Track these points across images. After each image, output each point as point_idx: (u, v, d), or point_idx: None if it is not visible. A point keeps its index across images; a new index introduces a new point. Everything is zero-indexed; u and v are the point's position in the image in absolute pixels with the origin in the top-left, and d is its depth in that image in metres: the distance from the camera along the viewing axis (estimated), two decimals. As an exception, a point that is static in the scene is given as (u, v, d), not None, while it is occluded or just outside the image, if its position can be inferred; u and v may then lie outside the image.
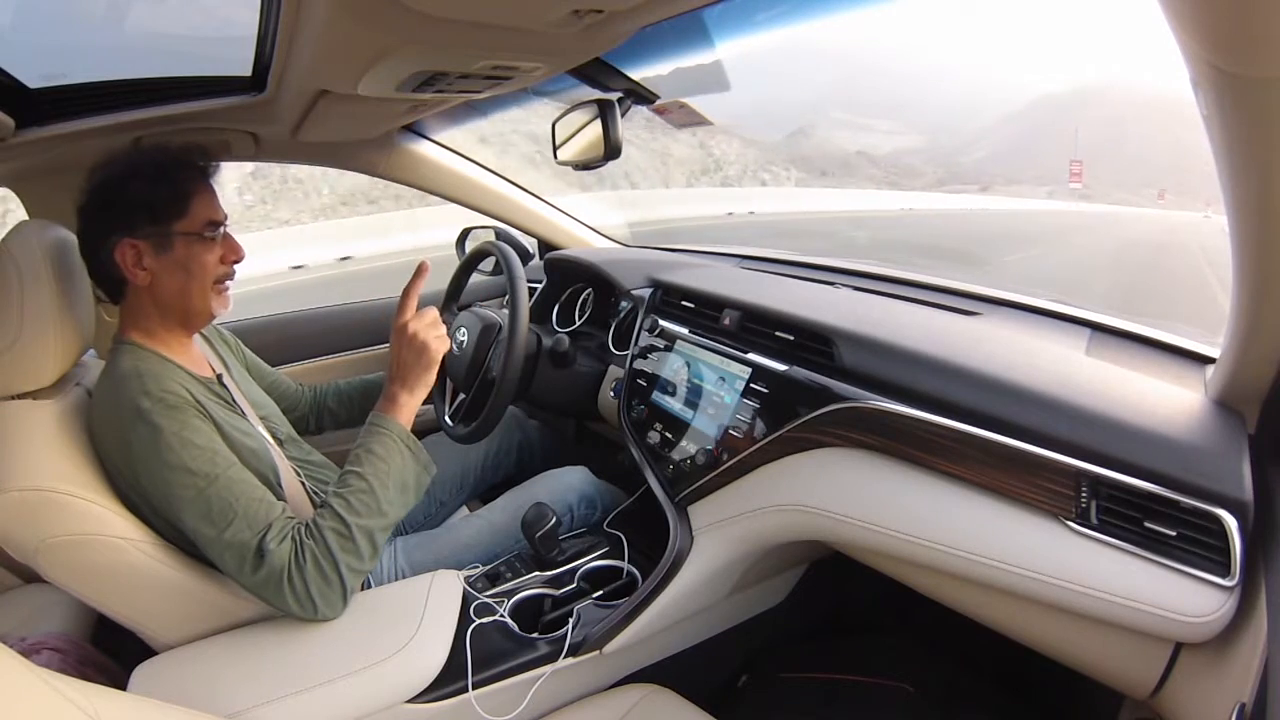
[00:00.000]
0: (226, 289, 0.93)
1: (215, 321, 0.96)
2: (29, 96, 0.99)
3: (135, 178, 0.85)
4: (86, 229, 0.86)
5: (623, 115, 1.14)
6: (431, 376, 0.96)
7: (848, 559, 0.96)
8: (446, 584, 0.94)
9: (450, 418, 1.27)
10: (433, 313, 0.98)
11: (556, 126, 1.23)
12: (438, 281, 1.60)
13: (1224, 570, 0.59)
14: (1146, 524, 0.63)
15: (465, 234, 1.85)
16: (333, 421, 1.29)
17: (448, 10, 0.65)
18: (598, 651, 0.94)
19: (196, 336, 0.99)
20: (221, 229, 0.90)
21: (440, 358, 0.97)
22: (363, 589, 1.00)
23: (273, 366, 1.25)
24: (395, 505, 0.87)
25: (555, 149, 1.25)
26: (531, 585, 1.01)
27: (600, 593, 1.01)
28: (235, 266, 0.93)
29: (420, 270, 0.97)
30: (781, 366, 0.96)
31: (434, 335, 0.96)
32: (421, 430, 1.47)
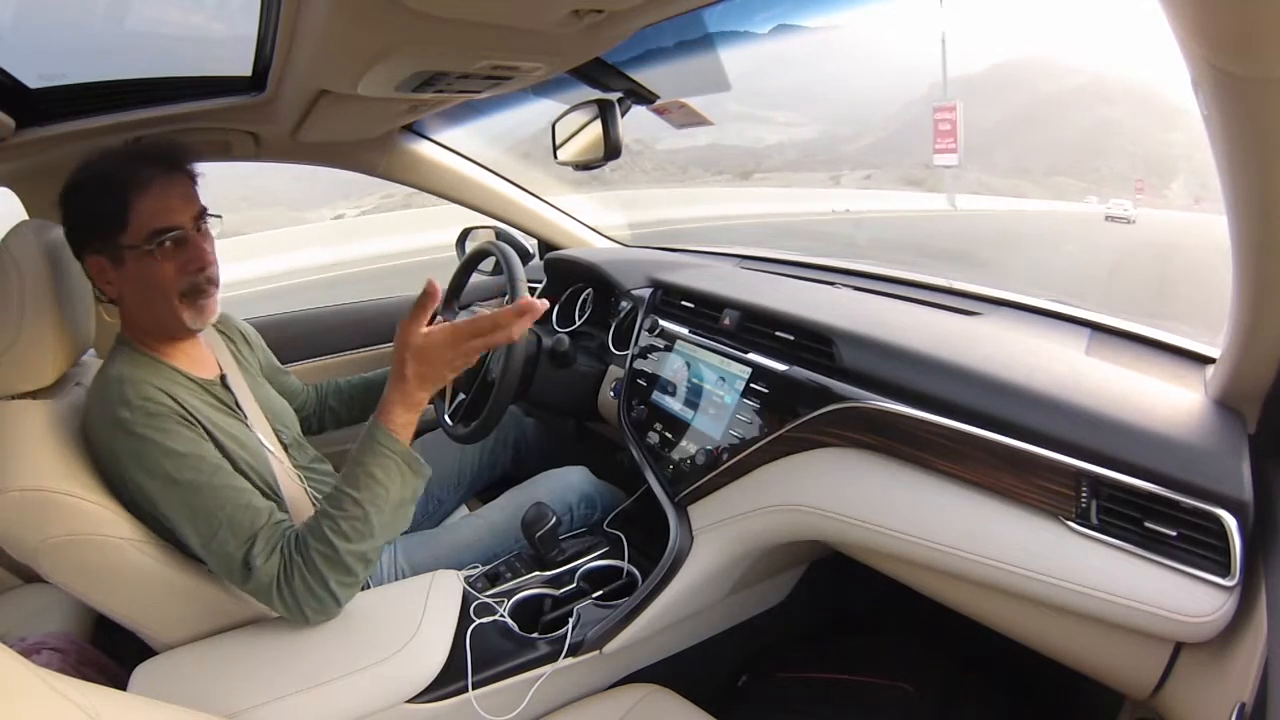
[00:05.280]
0: (206, 296, 0.85)
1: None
2: (29, 96, 0.99)
3: (82, 190, 0.80)
4: (68, 243, 0.84)
5: (623, 115, 1.14)
6: (431, 394, 0.85)
7: (848, 559, 0.96)
8: (446, 584, 0.94)
9: (450, 417, 1.27)
10: (448, 329, 0.82)
11: (556, 126, 1.23)
12: (437, 282, 1.61)
13: (1224, 570, 0.59)
14: (1147, 524, 0.63)
15: (465, 234, 1.85)
16: (334, 421, 1.29)
17: (448, 10, 0.65)
18: (598, 651, 0.94)
19: (209, 330, 0.96)
20: (176, 234, 0.81)
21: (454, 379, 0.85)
22: (362, 589, 1.00)
23: None
24: (390, 526, 0.83)
25: (555, 149, 1.25)
26: (531, 585, 1.01)
27: (600, 593, 1.01)
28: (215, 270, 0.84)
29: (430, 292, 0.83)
30: (781, 366, 0.96)
31: (460, 357, 0.81)
32: (420, 429, 1.47)
